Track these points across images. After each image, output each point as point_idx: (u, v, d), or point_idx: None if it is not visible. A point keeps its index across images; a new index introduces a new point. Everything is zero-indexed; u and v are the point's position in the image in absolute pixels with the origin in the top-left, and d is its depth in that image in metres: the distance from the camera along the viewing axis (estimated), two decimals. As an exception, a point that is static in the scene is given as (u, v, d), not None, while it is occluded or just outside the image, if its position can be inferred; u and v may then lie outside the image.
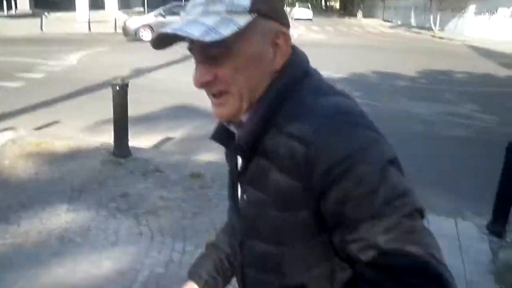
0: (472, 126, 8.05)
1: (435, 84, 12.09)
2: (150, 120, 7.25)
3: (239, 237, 1.13)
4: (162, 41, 0.99)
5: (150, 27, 18.89)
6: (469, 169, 5.93)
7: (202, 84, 0.99)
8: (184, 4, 21.16)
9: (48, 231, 3.68)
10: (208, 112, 1.31)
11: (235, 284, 1.25)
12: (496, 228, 4.05)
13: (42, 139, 5.87)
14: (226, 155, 1.17)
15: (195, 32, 0.90)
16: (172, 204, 4.30)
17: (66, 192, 4.44)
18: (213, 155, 5.44)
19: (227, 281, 1.33)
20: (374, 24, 38.15)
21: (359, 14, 49.30)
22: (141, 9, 22.53)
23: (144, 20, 19.51)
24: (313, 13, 44.54)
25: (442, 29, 30.34)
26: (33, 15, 28.57)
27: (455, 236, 4.01)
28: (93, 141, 5.99)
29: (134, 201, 4.32)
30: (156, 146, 6.21)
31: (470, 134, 7.58)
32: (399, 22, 39.24)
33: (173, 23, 1.01)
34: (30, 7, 33.68)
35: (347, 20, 45.98)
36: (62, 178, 4.74)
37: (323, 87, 1.02)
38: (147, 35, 18.73)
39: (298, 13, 46.37)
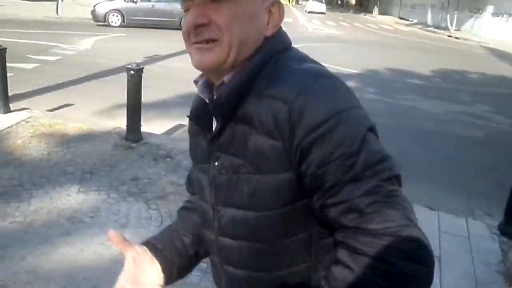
0: (485, 126, 7.98)
1: (450, 84, 11.97)
2: (163, 106, 7.25)
3: (210, 208, 1.10)
4: None
5: (120, 11, 18.55)
6: (482, 169, 5.88)
7: (195, 27, 0.98)
8: None
9: (58, 211, 3.70)
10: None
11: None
12: (507, 229, 4.02)
13: (55, 120, 5.89)
14: (191, 130, 1.19)
15: None
16: (182, 189, 4.29)
17: (77, 173, 4.45)
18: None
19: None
20: (389, 22, 37.85)
21: (375, 11, 48.91)
22: None
23: (113, 5, 18.94)
24: (329, 8, 44.36)
25: (458, 29, 30.01)
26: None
27: (466, 235, 3.98)
28: (106, 124, 6.01)
29: (144, 185, 4.33)
30: (168, 132, 6.21)
31: (483, 135, 7.51)
32: (415, 21, 38.89)
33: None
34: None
35: (362, 16, 45.67)
36: (74, 160, 4.76)
37: (304, 57, 1.05)
38: (116, 20, 18.46)
39: (311, 6, 46.78)
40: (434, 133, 7.35)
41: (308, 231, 1.00)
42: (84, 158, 4.83)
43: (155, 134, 5.85)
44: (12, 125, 5.56)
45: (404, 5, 44.30)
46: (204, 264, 1.38)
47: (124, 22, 18.49)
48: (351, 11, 56.19)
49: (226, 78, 1.01)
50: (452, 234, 3.97)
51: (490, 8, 28.66)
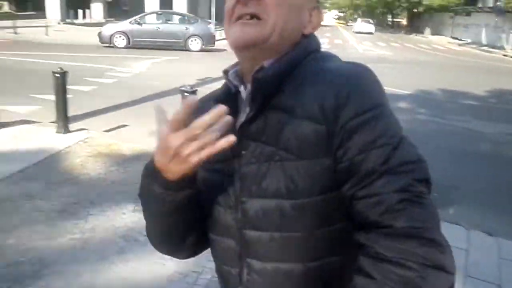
0: (544, 150, 7.66)
1: (505, 104, 11.61)
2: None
3: (233, 200, 1.04)
4: None
5: (125, 34, 19.14)
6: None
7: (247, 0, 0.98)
8: (161, 13, 21.25)
9: (113, 229, 3.80)
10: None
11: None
12: None
13: (112, 141, 6.10)
14: None
15: None
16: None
17: (132, 192, 4.55)
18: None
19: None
20: (442, 42, 37.19)
21: (427, 31, 48.21)
22: (209, 20, 22.95)
23: (119, 27, 19.67)
24: (379, 29, 44.12)
25: (515, 48, 29.14)
26: (106, 24, 29.85)
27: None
28: (159, 145, 6.14)
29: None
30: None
31: (542, 158, 7.21)
32: (469, 40, 38.03)
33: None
34: (104, 16, 35.25)
35: (414, 36, 45.09)
36: (129, 179, 4.89)
37: (337, 57, 1.08)
38: (121, 42, 19.05)
39: (359, 26, 47.32)
40: (488, 155, 7.13)
41: (342, 223, 0.99)
42: (139, 177, 4.93)
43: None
44: (71, 145, 5.80)
45: (456, 25, 43.46)
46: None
47: (129, 43, 19.09)
48: (402, 32, 55.55)
49: (266, 63, 1.01)
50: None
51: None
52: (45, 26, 22.93)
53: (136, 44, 18.99)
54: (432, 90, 12.55)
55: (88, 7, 35.14)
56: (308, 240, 0.98)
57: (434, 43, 35.54)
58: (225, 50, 19.90)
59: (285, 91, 0.99)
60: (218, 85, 1.16)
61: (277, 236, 0.99)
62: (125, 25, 19.73)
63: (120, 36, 19.19)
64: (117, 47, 18.75)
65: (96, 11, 36.54)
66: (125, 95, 9.12)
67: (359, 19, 47.81)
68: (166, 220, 1.07)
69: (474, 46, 33.04)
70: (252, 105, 1.00)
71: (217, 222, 1.08)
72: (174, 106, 1.03)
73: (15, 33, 22.58)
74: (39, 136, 6.23)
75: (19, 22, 23.93)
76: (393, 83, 12.87)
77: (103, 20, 33.43)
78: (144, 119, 7.65)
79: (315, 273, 1.00)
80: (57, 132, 6.35)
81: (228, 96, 1.06)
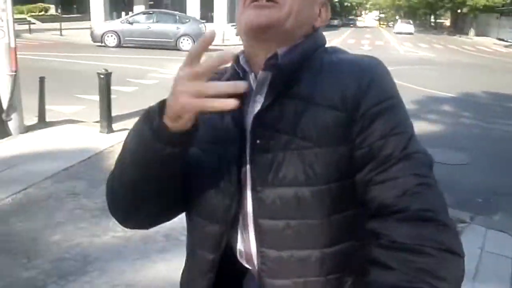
0: None
1: (556, 108, 11.19)
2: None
3: (233, 188, 1.02)
4: None
5: (116, 33, 19.21)
6: None
7: None
8: (152, 13, 21.19)
9: (155, 228, 3.83)
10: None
11: None
12: None
13: (153, 141, 6.18)
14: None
15: None
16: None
17: (172, 192, 4.62)
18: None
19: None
20: (487, 43, 36.17)
21: (471, 32, 47.02)
22: (201, 20, 22.82)
23: (110, 26, 19.82)
24: (421, 30, 43.62)
25: None
26: (148, 25, 30.37)
27: None
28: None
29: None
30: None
31: None
32: (516, 42, 36.87)
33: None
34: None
35: (457, 38, 44.05)
36: (169, 179, 4.95)
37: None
38: (112, 41, 19.18)
39: (399, 27, 48.25)
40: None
41: (355, 209, 1.01)
42: (179, 177, 5.00)
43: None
44: (113, 145, 5.91)
45: (503, 26, 42.16)
46: None
47: (120, 43, 19.19)
48: (444, 33, 54.37)
49: (280, 50, 1.00)
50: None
51: None
52: (89, 28, 23.50)
53: (126, 43, 19.14)
54: (477, 93, 12.21)
55: (132, 9, 35.81)
56: (324, 226, 1.00)
57: (479, 44, 34.61)
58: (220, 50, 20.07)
59: (302, 79, 1.00)
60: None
61: (294, 224, 1.00)
62: (116, 24, 20.01)
63: (111, 35, 19.40)
64: (108, 46, 19.00)
65: (140, 11, 37.15)
66: (166, 96, 9.22)
67: (399, 20, 47.80)
68: (142, 171, 0.98)
69: (521, 47, 32.00)
70: (269, 93, 1.00)
71: (205, 205, 1.06)
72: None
73: (61, 35, 23.27)
74: (83, 136, 6.39)
75: (65, 24, 24.62)
76: (436, 85, 12.65)
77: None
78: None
79: (330, 259, 1.01)
80: (101, 131, 6.50)
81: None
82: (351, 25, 75.88)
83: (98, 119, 6.66)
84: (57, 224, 3.92)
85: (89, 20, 27.78)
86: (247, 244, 1.07)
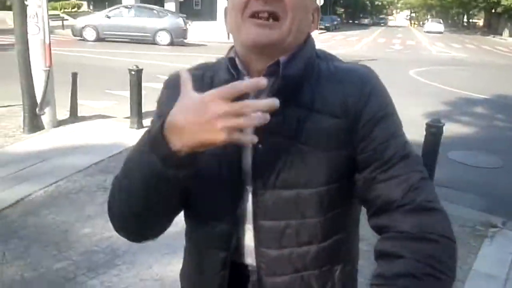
0: None
1: None
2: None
3: (233, 190, 1.05)
4: None
5: (94, 27, 19.24)
6: None
7: None
8: (131, 7, 21.03)
9: (183, 224, 3.86)
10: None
11: None
12: None
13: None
14: None
15: None
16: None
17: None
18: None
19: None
20: (522, 44, 35.31)
21: (505, 32, 45.93)
22: (180, 14, 22.65)
23: (89, 21, 19.82)
24: (454, 30, 43.12)
25: None
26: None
27: None
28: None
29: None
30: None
31: None
32: (552, 43, 35.90)
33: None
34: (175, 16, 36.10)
35: (491, 38, 43.14)
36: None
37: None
38: (90, 35, 19.24)
39: (429, 26, 49.37)
40: None
41: (349, 205, 1.12)
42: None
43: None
44: (143, 140, 5.97)
45: (539, 26, 41.10)
46: None
47: (98, 37, 19.24)
48: (478, 33, 53.29)
49: (282, 59, 1.02)
50: None
51: None
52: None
53: (104, 37, 19.18)
54: (510, 95, 11.93)
55: (163, 6, 36.18)
56: (321, 223, 1.07)
57: (513, 45, 33.81)
58: (203, 45, 19.85)
59: (303, 87, 1.04)
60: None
61: (294, 223, 1.06)
62: (95, 18, 20.07)
63: (89, 30, 19.50)
64: (87, 40, 19.14)
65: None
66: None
67: (429, 19, 48.18)
68: (148, 196, 0.97)
69: (558, 49, 31.13)
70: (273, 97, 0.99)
71: (208, 206, 1.09)
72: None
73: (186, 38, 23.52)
74: (114, 131, 6.48)
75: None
76: (469, 86, 12.41)
77: (175, 20, 34.26)
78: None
79: (325, 252, 1.10)
80: (131, 127, 6.58)
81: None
82: (382, 24, 75.09)
83: (129, 115, 6.74)
84: (87, 217, 3.98)
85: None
86: (246, 243, 1.11)
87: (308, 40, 1.09)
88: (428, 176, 1.05)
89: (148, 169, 0.92)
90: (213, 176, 1.06)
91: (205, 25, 28.54)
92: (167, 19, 20.09)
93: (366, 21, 68.88)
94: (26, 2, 5.90)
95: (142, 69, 6.59)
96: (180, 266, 3.41)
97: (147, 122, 6.83)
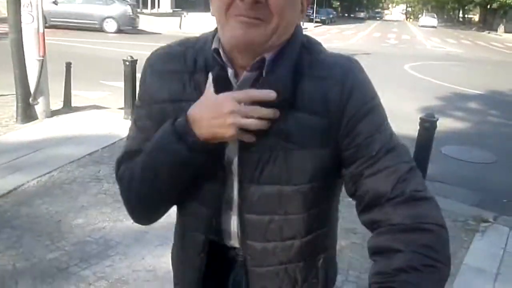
0: None
1: None
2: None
3: (220, 187, 1.09)
4: None
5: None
6: None
7: (253, 4, 0.94)
8: None
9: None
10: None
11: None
12: None
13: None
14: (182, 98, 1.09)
15: None
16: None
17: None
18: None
19: None
20: (517, 40, 35.38)
21: (501, 28, 46.00)
22: (128, 1, 22.36)
23: None
24: (449, 25, 43.41)
25: None
26: (173, 14, 30.49)
27: None
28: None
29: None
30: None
31: None
32: (547, 39, 35.98)
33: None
34: (171, 7, 35.97)
35: (486, 34, 43.22)
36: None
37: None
38: None
39: (424, 21, 51.36)
40: None
41: (331, 201, 1.16)
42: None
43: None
44: (137, 131, 5.95)
45: (534, 23, 41.20)
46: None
47: (46, 23, 18.95)
48: (473, 28, 53.37)
49: (268, 55, 1.01)
50: None
51: None
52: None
53: (52, 24, 18.72)
54: (505, 91, 11.98)
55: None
56: (305, 219, 1.10)
57: (508, 41, 33.85)
58: (153, 33, 19.61)
59: (285, 84, 1.02)
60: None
61: (278, 219, 1.09)
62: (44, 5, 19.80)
63: None
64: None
65: (165, 1, 37.32)
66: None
67: (424, 14, 50.10)
68: (171, 181, 1.07)
69: (552, 45, 31.22)
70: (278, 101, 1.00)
71: (196, 192, 1.12)
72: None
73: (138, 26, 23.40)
74: (108, 122, 6.45)
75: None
76: (463, 82, 12.44)
77: (170, 11, 34.13)
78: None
79: (308, 245, 1.13)
80: (125, 118, 6.55)
81: (224, 79, 1.05)
82: (378, 18, 75.09)
83: (123, 105, 6.72)
84: (81, 207, 3.97)
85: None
86: (232, 229, 1.15)
87: (295, 35, 1.06)
88: (416, 166, 1.04)
89: (177, 156, 1.01)
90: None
91: (201, 16, 28.44)
92: (114, 7, 19.88)
93: (362, 14, 68.86)
94: (20, -9, 5.85)
95: (136, 60, 6.56)
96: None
97: (141, 113, 6.80)
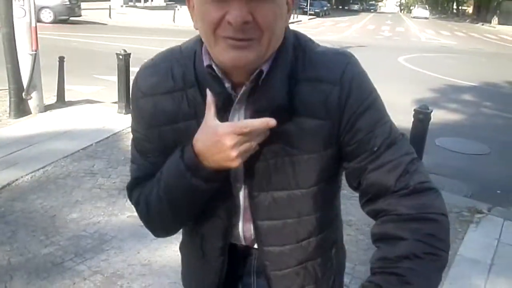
0: None
1: None
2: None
3: (246, 192, 1.10)
4: None
5: None
6: None
7: (242, 25, 0.90)
8: None
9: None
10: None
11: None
12: None
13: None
14: (179, 115, 1.07)
15: None
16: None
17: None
18: None
19: None
20: (510, 32, 35.40)
21: (494, 20, 46.06)
22: None
23: None
24: (443, 17, 43.76)
25: None
26: (166, 7, 30.38)
27: None
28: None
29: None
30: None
31: None
32: (540, 31, 36.04)
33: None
34: (165, 0, 35.81)
35: (480, 26, 43.25)
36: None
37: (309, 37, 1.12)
38: None
39: (416, 12, 53.51)
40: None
41: (337, 193, 1.19)
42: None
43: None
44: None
45: (527, 14, 41.29)
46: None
47: None
48: (467, 20, 53.42)
49: (264, 68, 0.99)
50: None
51: None
52: (108, 9, 23.53)
53: None
54: (499, 83, 12.00)
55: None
56: (318, 218, 1.12)
57: (501, 33, 33.91)
58: (94, 23, 19.36)
59: (283, 91, 1.01)
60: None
61: (291, 222, 1.11)
62: None
63: None
64: None
65: (158, -5, 37.18)
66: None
67: (417, 6, 53.11)
68: (188, 208, 1.10)
69: (545, 37, 31.29)
70: (261, 112, 0.99)
71: (206, 206, 1.12)
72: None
73: (80, 15, 23.29)
74: (102, 116, 6.43)
75: (84, 5, 24.66)
76: (457, 74, 12.47)
77: (164, 4, 33.99)
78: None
79: (324, 239, 1.16)
80: (119, 112, 6.53)
81: (223, 94, 1.03)
82: (372, 11, 74.94)
83: (116, 99, 6.69)
84: (75, 202, 3.96)
85: (109, 0, 27.81)
86: (245, 234, 1.17)
87: (285, 36, 1.03)
88: (417, 155, 1.06)
89: (192, 189, 1.03)
90: None
91: (194, 10, 28.32)
92: None
93: (356, 7, 68.67)
94: (11, -16, 5.80)
95: (130, 54, 6.53)
96: (168, 251, 3.42)
97: (135, 107, 6.77)
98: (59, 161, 4.80)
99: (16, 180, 4.32)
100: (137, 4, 32.62)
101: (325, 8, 46.03)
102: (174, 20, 22.12)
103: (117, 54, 6.53)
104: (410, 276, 0.92)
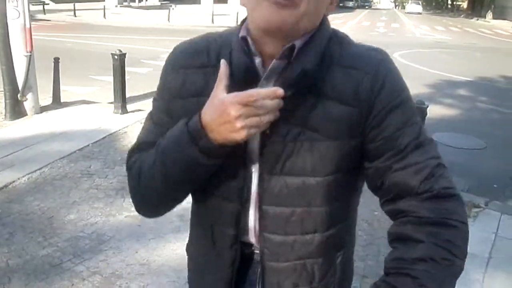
0: None
1: None
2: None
3: (240, 178, 1.07)
4: None
5: None
6: None
7: None
8: None
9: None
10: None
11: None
12: None
13: (166, 122, 6.19)
14: (202, 88, 1.07)
15: None
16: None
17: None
18: None
19: None
20: (505, 26, 35.44)
21: (489, 15, 46.14)
22: None
23: None
24: (438, 13, 44.10)
25: None
26: (161, 7, 30.34)
27: None
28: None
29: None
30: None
31: None
32: (535, 25, 36.12)
33: None
34: (159, 0, 35.75)
35: (474, 21, 43.32)
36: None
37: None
38: None
39: (410, 7, 54.99)
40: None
41: (353, 196, 1.14)
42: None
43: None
44: (128, 125, 5.94)
45: (522, 9, 41.37)
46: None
47: None
48: (462, 15, 53.51)
49: (297, 43, 0.98)
50: None
51: None
52: (103, 9, 23.49)
53: None
54: (494, 78, 12.02)
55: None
56: (327, 212, 1.07)
57: (496, 27, 33.98)
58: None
59: (314, 73, 1.00)
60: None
61: (299, 211, 1.06)
62: None
63: None
64: None
65: (152, -6, 37.11)
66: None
67: (410, 1, 54.42)
68: (182, 180, 1.06)
69: (540, 31, 31.37)
70: (283, 85, 0.97)
71: (218, 187, 1.10)
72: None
73: (75, 15, 23.27)
74: (98, 116, 6.42)
75: (78, 5, 24.64)
76: (452, 69, 12.49)
77: (158, 3, 33.94)
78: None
79: (329, 239, 1.11)
80: (115, 112, 6.52)
81: (251, 68, 1.02)
82: (367, 7, 74.89)
83: (112, 100, 6.68)
84: (72, 203, 3.96)
85: (103, 0, 27.76)
86: (250, 224, 1.12)
87: (324, 25, 1.04)
88: (443, 161, 1.04)
89: (189, 159, 1.00)
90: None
91: (189, 9, 28.30)
92: None
93: (350, 3, 68.54)
94: (5, -14, 5.78)
95: (125, 54, 6.52)
96: (166, 251, 3.42)
97: (131, 107, 6.78)
98: (56, 162, 4.79)
99: (13, 182, 4.31)
100: (132, 4, 32.57)
101: (319, 5, 46.14)
102: (169, 20, 22.06)
103: (112, 54, 6.52)
104: (425, 279, 0.92)
